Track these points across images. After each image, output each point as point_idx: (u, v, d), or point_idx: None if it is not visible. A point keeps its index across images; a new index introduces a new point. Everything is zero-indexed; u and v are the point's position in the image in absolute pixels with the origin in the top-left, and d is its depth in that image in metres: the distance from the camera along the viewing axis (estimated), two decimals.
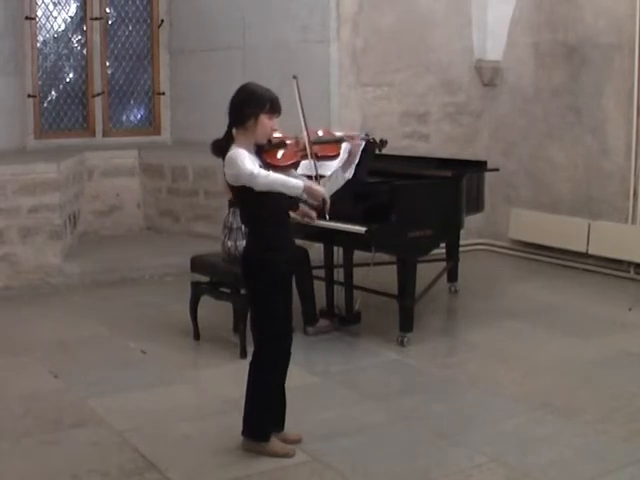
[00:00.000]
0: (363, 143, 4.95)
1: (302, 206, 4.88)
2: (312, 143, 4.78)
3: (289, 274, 4.81)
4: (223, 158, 4.59)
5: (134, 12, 10.61)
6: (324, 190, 4.67)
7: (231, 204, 6.53)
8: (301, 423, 5.01)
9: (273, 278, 4.63)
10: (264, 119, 4.57)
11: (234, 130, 4.62)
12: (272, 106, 4.60)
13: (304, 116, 4.74)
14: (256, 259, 4.66)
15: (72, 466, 4.62)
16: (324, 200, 4.66)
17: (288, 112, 4.73)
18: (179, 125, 10.64)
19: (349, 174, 4.91)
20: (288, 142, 4.72)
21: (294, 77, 4.70)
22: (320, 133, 5.00)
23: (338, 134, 5.20)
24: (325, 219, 4.87)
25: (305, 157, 4.75)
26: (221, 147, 4.63)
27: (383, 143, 5.08)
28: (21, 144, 9.84)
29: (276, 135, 4.69)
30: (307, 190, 4.58)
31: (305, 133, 4.75)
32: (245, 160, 4.45)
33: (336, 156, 4.96)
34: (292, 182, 4.53)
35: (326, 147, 4.91)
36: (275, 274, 4.63)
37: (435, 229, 6.64)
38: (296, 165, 4.78)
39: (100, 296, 8.08)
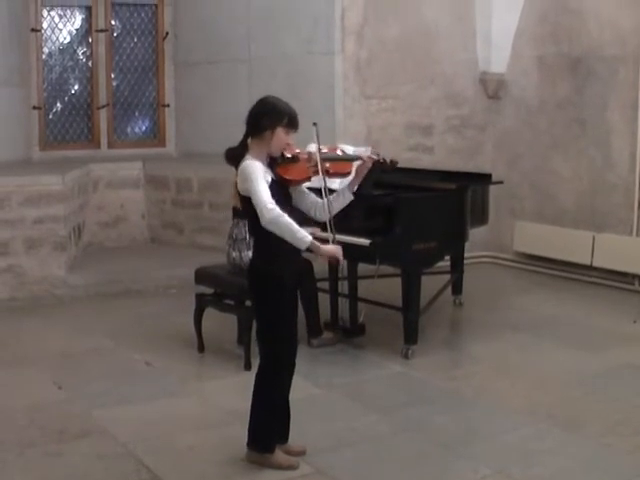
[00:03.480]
0: (371, 164, 4.94)
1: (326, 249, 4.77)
2: (324, 160, 4.79)
3: (294, 286, 4.82)
4: (236, 167, 4.61)
5: (139, 24, 10.65)
6: (334, 249, 4.61)
7: (235, 214, 6.53)
8: (305, 435, 5.00)
9: (279, 289, 4.63)
10: (281, 132, 4.59)
11: (249, 140, 4.65)
12: (290, 121, 4.62)
13: (320, 154, 4.75)
14: (262, 270, 4.67)
15: (76, 477, 4.63)
16: (336, 258, 4.62)
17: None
18: (184, 137, 10.66)
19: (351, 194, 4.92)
20: (301, 157, 4.74)
21: (314, 124, 4.72)
22: (338, 152, 5.03)
23: (352, 153, 5.23)
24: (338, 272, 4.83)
25: (317, 173, 4.77)
26: (235, 156, 4.64)
27: (393, 163, 5.07)
28: (26, 156, 9.86)
29: (290, 150, 4.72)
30: (313, 249, 4.53)
31: (317, 149, 4.77)
32: (261, 183, 4.44)
33: (348, 174, 4.98)
34: (300, 235, 4.45)
35: (338, 165, 4.93)
36: (281, 285, 4.63)
37: (439, 241, 6.64)
38: (307, 181, 4.80)
39: (104, 308, 8.08)
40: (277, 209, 4.42)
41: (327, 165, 4.81)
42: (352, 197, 4.88)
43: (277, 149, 4.64)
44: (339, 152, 5.07)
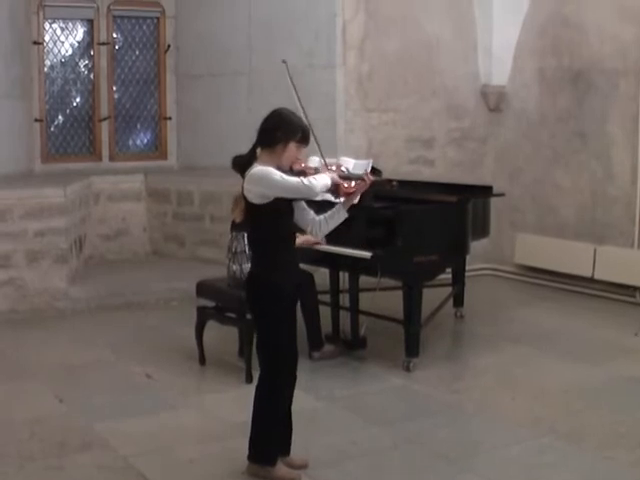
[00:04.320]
0: (369, 185, 4.96)
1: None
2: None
3: (294, 297, 4.82)
4: (242, 175, 4.61)
5: (141, 37, 10.68)
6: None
7: (233, 227, 6.54)
8: (307, 448, 5.00)
9: (277, 299, 4.63)
10: (293, 147, 4.62)
11: (259, 150, 4.66)
12: (303, 136, 4.66)
13: (299, 98, 4.77)
14: (261, 281, 4.67)
15: None
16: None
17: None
18: (185, 150, 10.67)
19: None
20: (308, 172, 4.76)
21: (284, 61, 4.72)
22: (343, 169, 5.04)
23: (353, 166, 5.24)
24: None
25: None
26: (243, 164, 4.65)
27: (392, 186, 5.07)
28: (28, 168, 9.87)
29: (298, 165, 4.74)
30: (336, 180, 4.69)
31: (324, 165, 4.79)
32: (285, 176, 4.51)
33: (352, 194, 4.97)
34: (327, 180, 4.63)
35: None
36: (279, 295, 4.64)
37: (441, 254, 6.64)
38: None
39: (106, 320, 8.08)
40: (308, 179, 4.53)
41: None
42: (347, 215, 4.87)
43: (287, 163, 4.66)
44: (343, 169, 5.07)
